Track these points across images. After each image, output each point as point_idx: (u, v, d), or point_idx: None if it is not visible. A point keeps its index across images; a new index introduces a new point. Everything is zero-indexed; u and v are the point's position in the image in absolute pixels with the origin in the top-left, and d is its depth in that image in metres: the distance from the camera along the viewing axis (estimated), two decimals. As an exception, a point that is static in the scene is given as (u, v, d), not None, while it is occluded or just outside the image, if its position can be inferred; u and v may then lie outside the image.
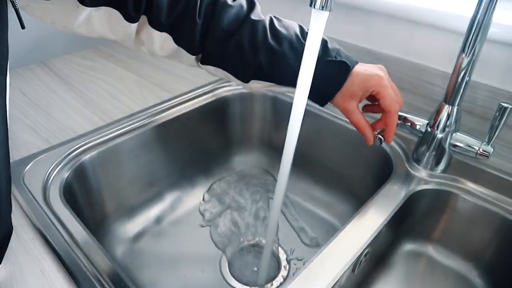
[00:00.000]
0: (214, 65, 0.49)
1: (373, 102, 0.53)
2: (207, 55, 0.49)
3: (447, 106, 0.55)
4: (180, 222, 0.73)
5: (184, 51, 0.48)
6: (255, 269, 0.66)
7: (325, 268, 0.44)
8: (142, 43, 0.48)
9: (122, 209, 0.69)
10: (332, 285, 0.42)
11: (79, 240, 0.45)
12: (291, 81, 0.45)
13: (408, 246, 0.63)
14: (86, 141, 0.62)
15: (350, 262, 0.45)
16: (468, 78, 0.52)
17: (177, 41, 0.47)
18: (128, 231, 0.70)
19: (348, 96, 0.48)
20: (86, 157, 0.61)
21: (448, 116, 0.55)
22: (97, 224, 0.65)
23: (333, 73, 0.47)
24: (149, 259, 0.66)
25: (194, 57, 0.49)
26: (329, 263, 0.44)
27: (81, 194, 0.60)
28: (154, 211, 0.74)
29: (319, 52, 0.42)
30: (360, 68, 0.48)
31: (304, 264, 0.63)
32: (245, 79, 0.49)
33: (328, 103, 0.49)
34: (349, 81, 0.47)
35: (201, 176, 0.81)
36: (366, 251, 0.48)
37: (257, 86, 0.50)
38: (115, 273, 0.42)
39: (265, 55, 0.47)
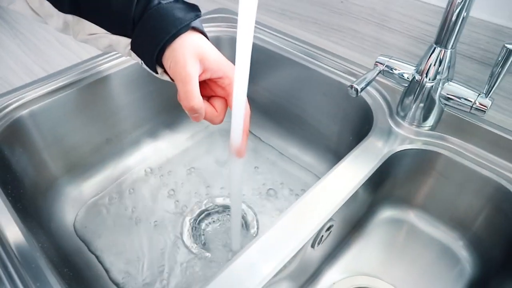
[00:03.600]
0: None
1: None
2: None
3: (438, 49, 0.45)
4: (142, 182, 0.67)
5: None
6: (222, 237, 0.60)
7: (289, 234, 0.38)
8: None
9: (76, 170, 0.63)
10: (294, 254, 0.37)
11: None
12: (117, 25, 0.37)
13: (387, 212, 0.56)
14: (22, 96, 0.54)
15: (313, 231, 0.38)
16: (465, 13, 0.41)
17: None
18: (84, 193, 0.63)
19: (194, 55, 0.37)
20: (22, 113, 0.53)
21: (440, 61, 0.45)
22: (45, 187, 0.59)
23: (181, 13, 0.38)
24: (107, 223, 0.60)
25: None
26: (295, 228, 0.38)
27: (18, 155, 0.53)
28: (112, 171, 0.67)
29: None
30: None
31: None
32: (61, 6, 0.38)
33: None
34: (202, 42, 0.39)
35: (166, 130, 0.73)
36: (329, 224, 0.41)
37: (83, 34, 0.41)
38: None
39: None
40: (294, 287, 0.48)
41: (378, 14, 0.59)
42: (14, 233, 0.38)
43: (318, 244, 0.41)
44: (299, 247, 0.37)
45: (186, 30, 0.37)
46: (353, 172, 0.44)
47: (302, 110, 0.69)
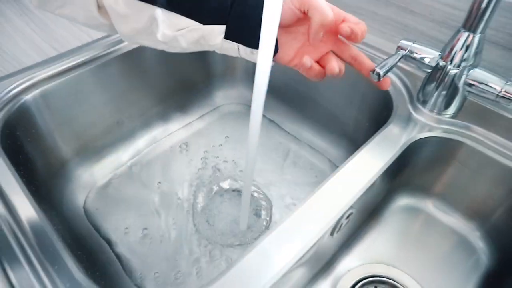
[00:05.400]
0: None
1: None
2: None
3: (466, 33, 0.43)
4: (153, 164, 0.66)
5: None
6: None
7: (308, 221, 0.37)
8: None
9: (86, 153, 0.62)
10: (314, 242, 0.36)
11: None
12: (214, 15, 0.34)
13: (404, 200, 0.55)
14: (32, 75, 0.53)
15: (333, 219, 0.38)
16: (499, -4, 0.40)
17: None
18: (95, 175, 0.63)
19: None
20: (33, 93, 0.52)
21: (467, 47, 0.44)
22: (56, 169, 0.58)
23: None
24: (118, 205, 0.60)
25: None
26: (315, 215, 0.38)
27: (29, 137, 0.52)
28: (123, 153, 0.66)
29: None
30: None
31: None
32: None
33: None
34: None
35: (177, 112, 0.72)
36: (349, 212, 0.40)
37: (170, 30, 0.35)
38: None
39: None
40: (309, 274, 0.48)
41: (399, -5, 0.57)
42: (30, 216, 0.37)
43: (337, 231, 0.41)
44: (320, 235, 0.36)
45: None
46: (373, 160, 0.43)
47: (317, 93, 0.67)
